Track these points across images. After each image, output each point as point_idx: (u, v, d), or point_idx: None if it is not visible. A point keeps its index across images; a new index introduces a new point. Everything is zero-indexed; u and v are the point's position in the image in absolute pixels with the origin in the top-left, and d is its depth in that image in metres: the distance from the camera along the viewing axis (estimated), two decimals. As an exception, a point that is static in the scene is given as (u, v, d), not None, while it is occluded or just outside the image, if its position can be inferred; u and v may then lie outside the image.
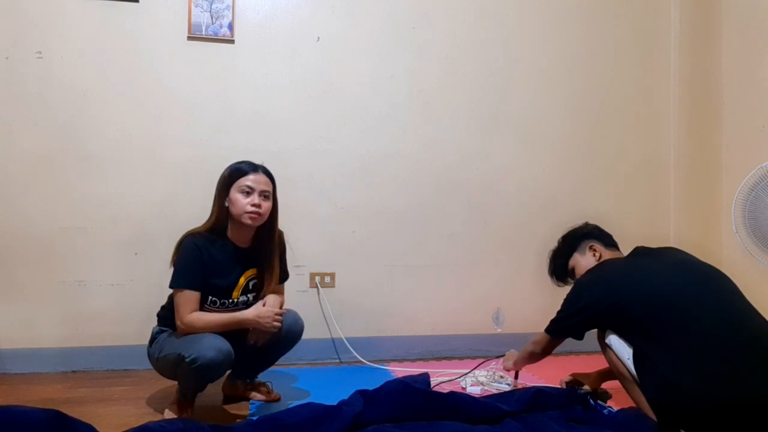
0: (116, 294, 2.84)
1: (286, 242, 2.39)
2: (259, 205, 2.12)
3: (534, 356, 2.31)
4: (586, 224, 2.35)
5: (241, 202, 2.11)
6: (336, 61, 3.11)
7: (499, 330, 3.27)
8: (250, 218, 2.13)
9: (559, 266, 2.32)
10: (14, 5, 2.78)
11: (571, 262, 2.28)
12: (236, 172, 2.17)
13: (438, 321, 3.19)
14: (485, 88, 3.30)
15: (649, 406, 1.82)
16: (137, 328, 2.77)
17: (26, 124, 2.79)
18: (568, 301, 2.10)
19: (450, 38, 3.26)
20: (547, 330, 2.18)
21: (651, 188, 3.52)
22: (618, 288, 1.94)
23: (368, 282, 3.13)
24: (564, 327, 2.10)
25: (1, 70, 2.77)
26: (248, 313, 2.10)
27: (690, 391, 1.66)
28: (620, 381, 2.02)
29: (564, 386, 2.34)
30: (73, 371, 2.77)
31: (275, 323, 2.10)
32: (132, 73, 2.88)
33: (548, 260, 2.37)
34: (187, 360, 1.94)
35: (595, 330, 2.08)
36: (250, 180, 2.13)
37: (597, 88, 3.46)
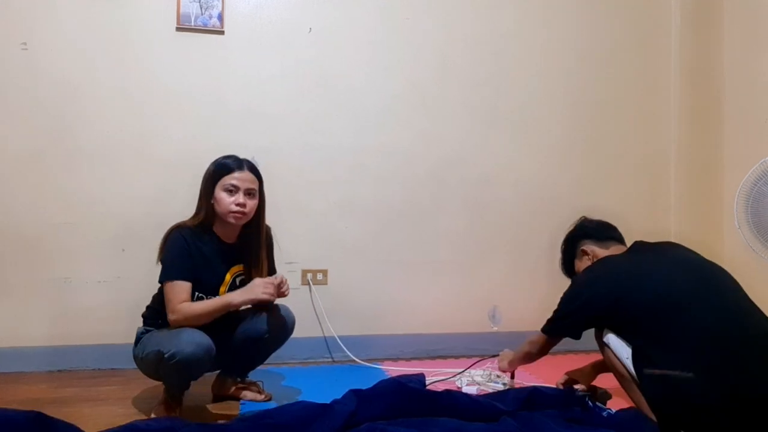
0: (104, 291, 2.80)
1: (273, 238, 2.37)
2: (243, 204, 2.12)
3: (530, 356, 2.26)
4: (580, 222, 2.30)
5: (226, 201, 2.11)
6: (329, 53, 3.08)
7: (495, 328, 3.23)
8: (234, 218, 2.13)
9: (570, 275, 2.30)
10: (-3, -5, 2.73)
11: (576, 269, 2.25)
12: (221, 169, 2.15)
13: (433, 319, 3.16)
14: (482, 81, 3.27)
15: (649, 406, 1.77)
16: (125, 326, 2.65)
17: (12, 118, 2.74)
18: (565, 300, 2.06)
19: (446, 29, 3.23)
20: (544, 330, 2.13)
21: (651, 183, 3.50)
22: (617, 285, 1.90)
23: (362, 279, 3.10)
24: (562, 326, 2.07)
25: (-15, 61, 2.73)
26: (237, 298, 2.06)
27: (690, 389, 1.63)
28: (619, 381, 1.98)
29: (561, 387, 2.30)
30: (59, 370, 2.73)
31: (267, 290, 2.05)
32: (119, 65, 2.84)
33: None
34: (166, 356, 1.92)
35: (593, 329, 2.05)
36: (235, 178, 2.12)
37: (596, 82, 3.44)
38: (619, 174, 3.46)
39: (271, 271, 2.35)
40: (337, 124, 3.08)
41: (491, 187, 3.28)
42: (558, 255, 2.34)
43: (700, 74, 3.39)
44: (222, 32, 2.93)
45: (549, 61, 3.37)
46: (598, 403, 2.11)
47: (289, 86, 3.02)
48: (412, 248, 3.17)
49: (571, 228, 2.29)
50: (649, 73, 3.50)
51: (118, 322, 2.74)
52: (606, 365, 2.05)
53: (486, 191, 3.27)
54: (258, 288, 2.05)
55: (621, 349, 1.87)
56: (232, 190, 2.11)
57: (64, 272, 2.77)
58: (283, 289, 2.12)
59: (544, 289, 3.09)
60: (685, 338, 1.70)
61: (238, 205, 2.10)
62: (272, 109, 3.00)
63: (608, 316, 1.91)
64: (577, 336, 2.04)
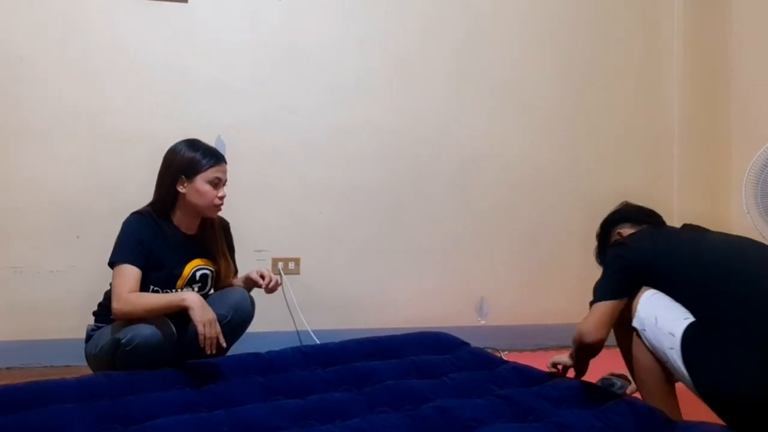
0: (56, 282, 2.75)
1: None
2: (224, 197, 2.18)
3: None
4: (618, 207, 2.15)
5: (211, 194, 2.14)
6: (301, 23, 3.03)
7: (483, 321, 3.20)
8: (217, 210, 2.19)
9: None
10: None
11: None
12: (206, 160, 2.14)
13: (415, 312, 3.11)
14: (467, 53, 3.23)
15: (706, 400, 1.59)
16: (79, 319, 2.52)
17: (-48, 92, 2.70)
18: (608, 263, 1.85)
19: (427, -4, 3.20)
20: (599, 296, 1.82)
21: (653, 163, 3.46)
22: (658, 243, 1.79)
23: (337, 268, 3.07)
24: (618, 286, 1.79)
25: None
26: (194, 300, 1.95)
27: (754, 379, 1.48)
28: (640, 374, 1.76)
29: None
30: (7, 368, 2.66)
31: (209, 338, 1.92)
32: (73, 35, 2.78)
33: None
34: (123, 341, 1.88)
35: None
36: (221, 171, 2.16)
37: (592, 52, 3.40)
38: (618, 152, 3.43)
39: (234, 269, 2.36)
40: (310, 100, 3.04)
41: (478, 168, 3.24)
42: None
43: (706, 41, 3.36)
44: (186, 0, 2.87)
45: (539, 31, 3.33)
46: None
47: (258, 59, 2.99)
48: (391, 235, 3.13)
49: (608, 215, 2.14)
50: (650, 41, 3.46)
51: (72, 314, 2.64)
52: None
53: (472, 173, 3.23)
54: (209, 323, 1.92)
55: (664, 338, 1.64)
56: (218, 183, 2.14)
57: (12, 261, 2.70)
58: (270, 286, 2.17)
59: (535, 280, 3.19)
60: (746, 324, 1.53)
61: (220, 198, 2.16)
62: (240, 84, 2.96)
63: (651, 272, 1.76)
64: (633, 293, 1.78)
